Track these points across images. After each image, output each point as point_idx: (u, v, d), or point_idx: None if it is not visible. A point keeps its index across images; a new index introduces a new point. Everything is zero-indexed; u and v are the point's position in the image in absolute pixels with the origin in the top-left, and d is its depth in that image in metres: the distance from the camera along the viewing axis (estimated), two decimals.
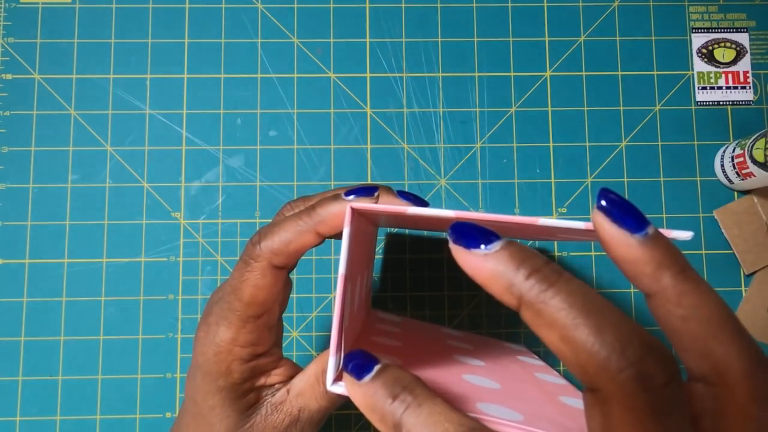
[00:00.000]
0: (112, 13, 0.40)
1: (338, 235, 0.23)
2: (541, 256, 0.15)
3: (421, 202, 0.23)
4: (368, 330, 0.27)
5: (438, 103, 0.40)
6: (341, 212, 0.21)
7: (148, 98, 0.39)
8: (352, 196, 0.21)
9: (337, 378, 0.18)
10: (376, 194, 0.22)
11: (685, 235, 0.17)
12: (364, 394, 0.17)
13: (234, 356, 0.22)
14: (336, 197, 0.22)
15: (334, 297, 0.38)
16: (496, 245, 0.15)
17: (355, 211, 0.20)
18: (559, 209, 0.39)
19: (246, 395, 0.23)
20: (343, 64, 0.40)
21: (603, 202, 0.15)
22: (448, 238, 0.16)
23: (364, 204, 0.20)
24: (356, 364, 0.17)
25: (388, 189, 0.23)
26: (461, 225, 0.16)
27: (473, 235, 0.15)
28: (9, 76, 0.39)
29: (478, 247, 0.15)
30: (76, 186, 0.38)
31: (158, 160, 0.39)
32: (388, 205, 0.21)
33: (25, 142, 0.38)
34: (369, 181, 0.39)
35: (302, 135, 0.39)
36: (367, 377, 0.17)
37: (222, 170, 0.39)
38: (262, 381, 0.24)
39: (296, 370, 0.25)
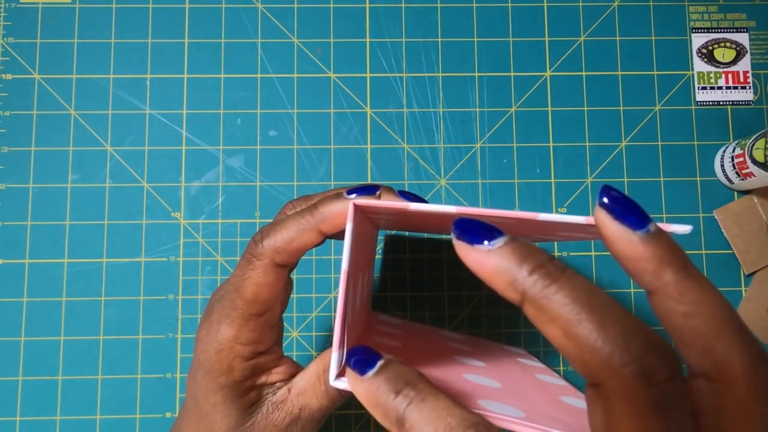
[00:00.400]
0: (112, 13, 0.40)
1: (339, 235, 0.23)
2: (545, 252, 0.15)
3: (422, 202, 0.23)
4: (369, 331, 0.27)
5: (438, 103, 0.40)
6: (343, 210, 0.21)
7: (148, 98, 0.39)
8: (353, 195, 0.21)
9: (340, 373, 0.18)
10: (377, 193, 0.22)
11: (683, 228, 0.17)
12: (367, 389, 0.17)
13: (235, 354, 0.22)
14: (338, 196, 0.22)
15: (335, 296, 0.38)
16: (500, 241, 0.15)
17: (357, 208, 0.20)
18: (559, 209, 0.39)
19: (247, 393, 0.23)
20: (343, 64, 0.40)
21: (605, 199, 0.15)
22: (452, 234, 0.16)
23: (367, 200, 0.20)
24: (359, 359, 0.17)
25: (390, 189, 0.23)
26: (465, 221, 0.16)
27: (477, 231, 0.15)
28: (9, 76, 0.39)
29: (481, 243, 0.15)
30: (76, 186, 0.38)
31: (158, 160, 0.39)
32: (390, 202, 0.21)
33: (25, 142, 0.38)
34: (370, 182, 0.39)
35: (302, 135, 0.39)
36: (370, 372, 0.17)
37: (222, 170, 0.39)
38: (263, 379, 0.24)
39: (297, 368, 0.25)
